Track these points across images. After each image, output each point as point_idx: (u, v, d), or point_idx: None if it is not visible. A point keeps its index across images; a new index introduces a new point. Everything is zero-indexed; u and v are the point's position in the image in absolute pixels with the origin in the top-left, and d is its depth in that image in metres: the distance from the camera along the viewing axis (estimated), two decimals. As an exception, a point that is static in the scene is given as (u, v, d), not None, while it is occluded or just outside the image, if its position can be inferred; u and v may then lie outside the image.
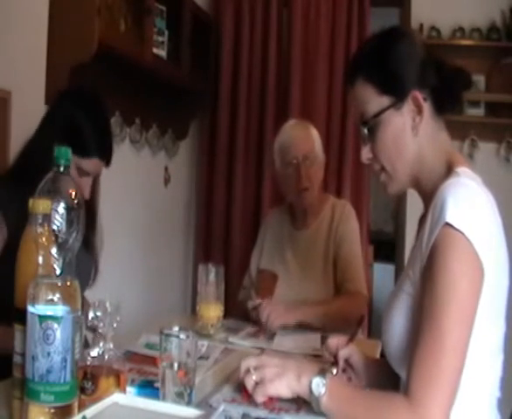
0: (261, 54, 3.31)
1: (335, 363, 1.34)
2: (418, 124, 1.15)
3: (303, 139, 2.07)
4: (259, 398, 1.12)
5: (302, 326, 1.82)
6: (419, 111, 1.14)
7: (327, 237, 2.08)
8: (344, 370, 1.33)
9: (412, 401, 0.97)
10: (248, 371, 1.15)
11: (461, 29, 3.34)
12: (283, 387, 1.11)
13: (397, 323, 1.12)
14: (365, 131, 1.18)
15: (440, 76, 1.16)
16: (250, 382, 1.13)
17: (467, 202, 1.04)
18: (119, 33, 2.33)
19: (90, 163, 1.54)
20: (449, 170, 1.13)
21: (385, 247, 4.11)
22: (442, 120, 1.19)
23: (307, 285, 2.05)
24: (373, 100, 1.16)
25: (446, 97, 1.17)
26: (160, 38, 2.61)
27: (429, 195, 1.14)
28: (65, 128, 1.51)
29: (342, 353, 1.32)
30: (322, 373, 1.08)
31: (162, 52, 2.63)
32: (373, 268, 4.10)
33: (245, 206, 3.33)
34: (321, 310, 1.88)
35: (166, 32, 2.66)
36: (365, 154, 1.21)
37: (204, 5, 3.29)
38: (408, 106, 1.15)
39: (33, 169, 1.49)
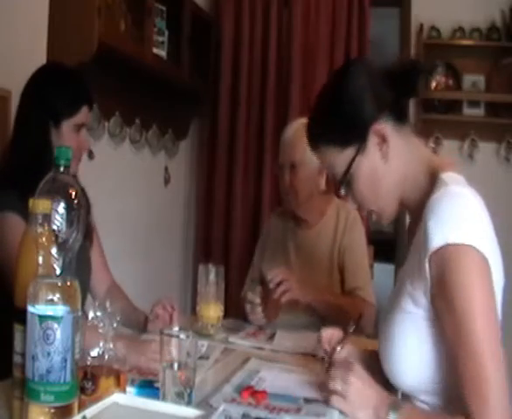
0: (261, 54, 3.31)
1: (328, 365, 1.28)
2: (386, 151, 1.15)
3: (295, 145, 2.03)
4: (335, 406, 1.12)
5: (299, 325, 1.83)
6: (384, 139, 1.14)
7: (332, 239, 2.08)
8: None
9: None
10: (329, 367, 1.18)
11: (461, 29, 3.34)
12: (360, 416, 1.10)
13: (400, 341, 1.10)
14: (342, 189, 1.20)
15: (393, 86, 1.15)
16: (333, 386, 1.13)
17: (461, 213, 1.03)
18: (119, 33, 2.34)
19: (82, 114, 1.60)
20: (433, 177, 1.12)
21: (385, 247, 4.11)
22: (407, 126, 1.18)
23: (309, 283, 2.04)
24: (339, 159, 1.17)
25: (404, 103, 1.17)
26: (160, 38, 2.61)
27: (416, 208, 1.12)
28: (46, 105, 1.56)
29: (339, 357, 1.29)
30: (395, 407, 1.06)
31: (162, 52, 2.63)
32: (373, 268, 4.09)
33: (245, 206, 3.33)
34: (332, 300, 1.91)
35: (166, 32, 2.66)
36: (351, 206, 1.23)
37: (204, 5, 3.29)
38: (372, 142, 1.15)
39: (26, 164, 1.52)
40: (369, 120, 1.14)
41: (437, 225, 1.02)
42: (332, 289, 2.05)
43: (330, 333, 1.35)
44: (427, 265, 1.02)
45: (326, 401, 1.15)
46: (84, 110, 1.61)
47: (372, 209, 1.21)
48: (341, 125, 1.16)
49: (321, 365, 1.34)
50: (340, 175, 1.18)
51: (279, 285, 1.79)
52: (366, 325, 1.93)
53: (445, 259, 1.00)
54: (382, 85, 1.15)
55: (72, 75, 1.66)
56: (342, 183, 1.19)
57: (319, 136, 1.21)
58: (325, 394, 1.16)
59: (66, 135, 1.57)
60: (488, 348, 0.98)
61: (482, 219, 1.05)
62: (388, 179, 1.16)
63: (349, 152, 1.16)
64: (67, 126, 1.57)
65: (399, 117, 1.16)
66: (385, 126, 1.14)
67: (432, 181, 1.11)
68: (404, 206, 1.20)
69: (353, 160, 1.15)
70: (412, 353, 1.09)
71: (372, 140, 1.14)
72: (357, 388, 1.11)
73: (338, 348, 1.29)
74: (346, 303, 1.95)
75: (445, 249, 1.00)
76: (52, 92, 1.58)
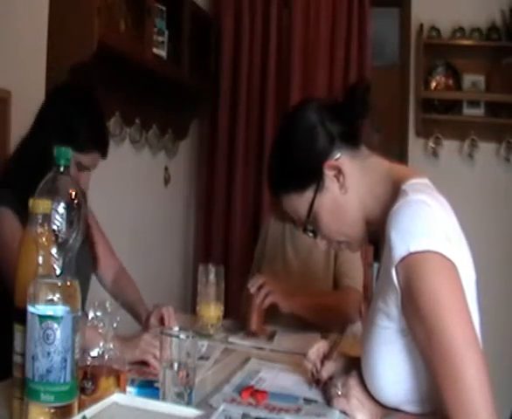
0: (261, 54, 3.31)
1: (316, 381, 1.31)
2: (343, 182, 1.16)
3: None
4: (339, 407, 1.14)
5: (299, 325, 1.83)
6: (339, 171, 1.16)
7: None
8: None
9: None
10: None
11: (461, 29, 3.34)
12: (360, 417, 1.12)
13: (376, 357, 1.10)
14: (310, 231, 1.23)
15: (341, 116, 1.16)
16: (334, 392, 1.16)
17: (420, 220, 1.02)
18: (119, 33, 2.34)
19: (88, 157, 1.56)
20: (395, 188, 1.12)
21: (385, 247, 4.11)
22: (362, 148, 1.19)
23: (307, 285, 2.05)
24: (300, 202, 1.20)
25: (354, 128, 1.18)
26: (160, 38, 2.61)
27: (381, 223, 1.12)
28: (61, 126, 1.53)
29: (325, 372, 1.29)
30: (390, 414, 1.09)
31: (162, 52, 2.63)
32: (373, 268, 4.09)
33: (245, 206, 3.33)
34: (316, 302, 1.89)
35: (166, 32, 2.66)
36: (321, 244, 1.25)
37: (204, 5, 3.29)
38: (328, 177, 1.16)
39: (30, 170, 1.51)
40: (321, 158, 1.16)
41: (398, 236, 1.02)
42: (323, 290, 2.04)
43: (316, 350, 1.34)
44: (395, 276, 1.02)
45: (328, 403, 1.17)
46: (93, 156, 1.57)
47: (341, 240, 1.23)
48: (295, 170, 1.19)
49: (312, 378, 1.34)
50: (304, 217, 1.21)
51: (260, 289, 1.77)
52: (350, 311, 1.94)
53: (409, 268, 1.00)
54: (330, 120, 1.17)
55: (97, 114, 1.61)
56: (307, 224, 1.21)
57: (278, 185, 1.25)
58: (327, 395, 1.19)
59: None
60: (462, 349, 0.96)
61: (443, 222, 1.04)
62: (350, 207, 1.18)
63: (309, 193, 1.18)
64: (71, 158, 1.53)
65: (352, 144, 1.17)
66: (339, 157, 1.16)
67: (394, 192, 1.11)
68: (370, 226, 1.20)
69: (313, 200, 1.18)
70: (389, 368, 1.08)
71: (328, 175, 1.16)
72: (357, 391, 1.13)
73: (327, 364, 1.29)
74: (332, 302, 1.95)
75: (408, 258, 0.99)
76: (71, 120, 1.53)
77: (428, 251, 0.99)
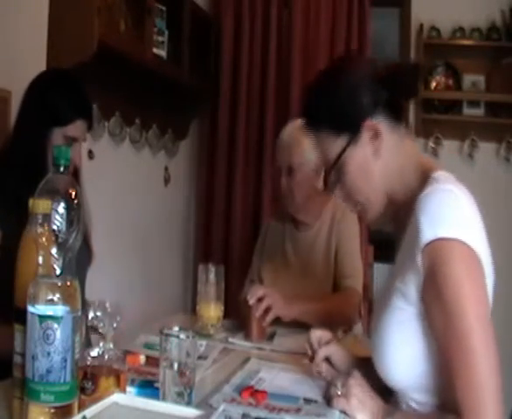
0: (261, 54, 3.31)
1: (311, 358, 1.34)
2: (378, 147, 1.16)
3: (292, 148, 2.03)
4: (339, 407, 1.14)
5: (299, 325, 1.82)
6: (376, 135, 1.15)
7: (328, 237, 2.08)
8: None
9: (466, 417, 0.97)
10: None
11: (461, 29, 3.34)
12: (360, 417, 1.12)
13: (390, 338, 1.11)
14: (332, 177, 1.21)
15: (391, 85, 1.16)
16: (334, 392, 1.16)
17: (451, 209, 1.04)
18: (119, 33, 2.34)
19: (74, 127, 1.57)
20: (423, 177, 1.13)
21: (385, 247, 4.11)
22: (401, 126, 1.19)
23: (308, 285, 2.04)
24: (331, 146, 1.18)
25: (401, 103, 1.18)
26: (160, 38, 2.61)
27: (405, 205, 1.14)
28: (42, 108, 1.55)
29: (322, 352, 1.32)
30: (391, 412, 1.10)
31: (162, 52, 2.63)
32: (373, 268, 4.09)
33: (245, 206, 3.33)
34: (317, 308, 1.88)
35: (166, 32, 2.66)
36: (338, 193, 1.24)
37: (204, 5, 3.29)
38: (365, 136, 1.16)
39: (20, 159, 1.52)
40: (364, 114, 1.15)
41: (428, 220, 1.03)
42: (323, 293, 2.04)
43: (319, 334, 1.37)
44: (420, 259, 1.03)
45: (328, 403, 1.17)
46: (79, 124, 1.58)
47: (358, 201, 1.21)
48: (336, 112, 1.17)
49: (309, 363, 1.36)
50: (331, 161, 1.19)
51: (260, 300, 1.74)
52: (351, 314, 1.94)
53: (436, 252, 1.01)
54: (380, 83, 1.16)
55: (75, 85, 1.63)
56: (332, 170, 1.20)
57: (313, 120, 1.22)
58: (327, 395, 1.19)
59: (56, 144, 1.52)
60: (479, 339, 0.98)
61: (472, 216, 1.06)
62: (377, 175, 1.17)
63: (341, 141, 1.17)
64: (58, 134, 1.55)
65: (394, 116, 1.17)
66: (380, 122, 1.15)
67: (423, 180, 1.12)
68: (392, 204, 1.20)
69: (345, 149, 1.17)
70: (403, 350, 1.09)
71: (365, 134, 1.16)
72: (357, 391, 1.13)
73: (324, 346, 1.32)
74: (333, 306, 1.94)
75: (435, 242, 1.01)
76: (50, 97, 1.56)
77: (455, 240, 1.01)
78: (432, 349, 1.06)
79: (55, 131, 1.55)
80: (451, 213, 1.04)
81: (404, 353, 1.09)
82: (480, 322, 0.99)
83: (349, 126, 1.16)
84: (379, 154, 1.16)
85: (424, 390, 1.09)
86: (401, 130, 1.19)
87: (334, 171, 1.20)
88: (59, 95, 1.57)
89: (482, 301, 1.02)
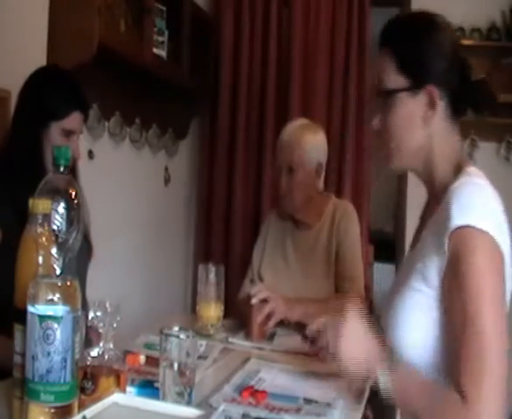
0: (261, 54, 3.31)
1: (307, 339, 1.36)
2: (429, 117, 1.16)
3: (292, 148, 2.04)
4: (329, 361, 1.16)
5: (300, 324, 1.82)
6: (432, 106, 1.15)
7: (329, 237, 2.08)
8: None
9: (468, 399, 0.98)
10: None
11: (461, 29, 3.34)
12: (352, 368, 1.13)
13: (406, 316, 1.13)
14: (376, 104, 1.20)
15: (463, 81, 1.16)
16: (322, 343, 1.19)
17: (483, 201, 1.07)
18: (119, 33, 2.33)
19: (72, 120, 1.60)
20: (457, 169, 1.15)
21: (385, 247, 4.10)
22: (457, 124, 1.20)
23: (308, 284, 2.04)
24: (391, 75, 1.17)
25: (465, 103, 1.18)
26: (160, 38, 2.61)
27: (436, 189, 1.16)
28: (39, 103, 1.57)
29: (315, 325, 1.34)
30: (386, 369, 1.10)
31: (162, 52, 2.63)
32: (373, 268, 4.10)
33: (245, 206, 3.33)
34: (319, 310, 1.87)
35: (166, 32, 2.66)
36: (375, 123, 1.22)
37: (204, 5, 3.29)
38: (422, 97, 1.15)
39: (18, 157, 1.53)
40: (431, 77, 1.15)
41: (460, 207, 1.06)
42: (328, 292, 2.03)
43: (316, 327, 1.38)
44: (446, 242, 1.05)
45: (322, 360, 1.20)
46: (75, 116, 1.61)
47: (389, 144, 1.20)
48: (411, 55, 1.16)
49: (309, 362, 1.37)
50: (384, 86, 1.18)
51: (262, 301, 1.75)
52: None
53: (464, 239, 1.04)
54: (455, 70, 1.16)
55: (69, 79, 1.66)
56: (379, 97, 1.19)
57: (393, 40, 1.20)
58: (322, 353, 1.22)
59: (55, 139, 1.56)
60: (493, 330, 1.00)
61: (499, 212, 1.09)
62: (418, 137, 1.17)
63: (402, 81, 1.16)
64: (55, 129, 1.57)
65: (455, 109, 1.17)
66: (441, 99, 1.15)
67: (456, 171, 1.15)
68: (421, 176, 1.22)
69: (401, 89, 1.16)
70: (417, 329, 1.11)
71: (423, 97, 1.15)
72: (348, 343, 1.14)
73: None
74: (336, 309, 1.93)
75: (465, 229, 1.04)
76: (46, 92, 1.59)
77: (484, 232, 1.03)
78: (445, 333, 1.07)
79: (53, 126, 1.57)
80: (482, 205, 1.06)
81: (418, 333, 1.11)
82: (497, 315, 1.01)
83: (416, 77, 1.15)
84: (427, 124, 1.16)
85: (434, 371, 1.10)
86: (455, 125, 1.19)
87: (380, 100, 1.19)
88: (54, 90, 1.60)
89: (500, 296, 1.04)
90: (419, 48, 1.16)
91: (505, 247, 1.06)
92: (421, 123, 1.16)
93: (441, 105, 1.15)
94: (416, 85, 1.15)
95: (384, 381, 1.07)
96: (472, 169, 1.14)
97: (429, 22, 1.20)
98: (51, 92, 1.59)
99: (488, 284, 1.02)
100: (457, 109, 1.18)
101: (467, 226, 1.03)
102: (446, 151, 1.18)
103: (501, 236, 1.05)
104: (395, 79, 1.17)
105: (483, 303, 1.01)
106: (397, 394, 1.08)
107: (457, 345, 1.03)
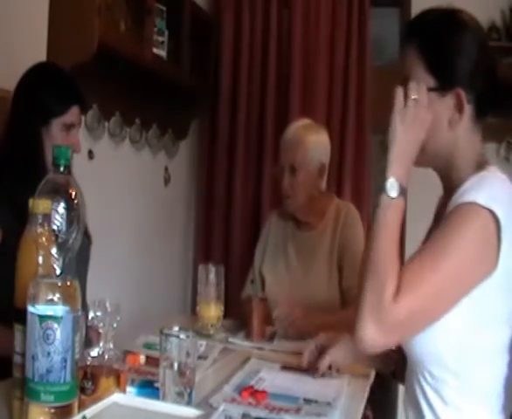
0: (261, 54, 3.31)
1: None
2: (456, 121, 1.14)
3: (295, 147, 2.04)
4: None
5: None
6: (460, 109, 1.14)
7: (331, 239, 2.08)
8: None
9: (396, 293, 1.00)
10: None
11: (461, 29, 3.33)
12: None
13: None
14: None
15: (489, 84, 1.16)
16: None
17: (497, 189, 1.07)
18: (119, 33, 2.33)
19: (71, 114, 1.63)
20: (478, 169, 1.15)
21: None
22: (480, 125, 1.19)
23: (309, 285, 2.04)
24: (419, 75, 1.15)
25: (490, 106, 1.18)
26: (160, 38, 2.61)
27: (453, 186, 1.15)
28: (36, 103, 1.59)
29: (326, 361, 1.36)
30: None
31: (162, 52, 2.63)
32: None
33: (245, 206, 3.32)
34: (333, 322, 1.85)
35: (166, 32, 2.66)
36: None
37: (204, 5, 3.29)
38: (450, 100, 1.14)
39: (19, 159, 1.54)
40: (460, 80, 1.13)
41: (472, 187, 1.06)
42: (330, 294, 2.03)
43: (312, 344, 1.42)
44: (449, 211, 1.06)
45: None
46: (74, 110, 1.63)
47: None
48: (441, 55, 1.15)
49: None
50: (411, 83, 1.14)
51: (262, 301, 1.78)
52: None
53: (466, 210, 1.04)
54: (481, 73, 1.15)
55: (63, 75, 1.68)
56: (407, 88, 1.15)
57: (421, 39, 1.17)
58: None
59: (56, 135, 1.59)
60: (447, 277, 1.01)
61: None
62: (443, 139, 1.16)
63: (430, 81, 1.14)
64: (57, 125, 1.59)
65: (480, 112, 1.16)
66: (468, 101, 1.14)
67: (477, 170, 1.15)
68: (440, 173, 1.21)
69: (429, 89, 1.13)
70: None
71: (450, 100, 1.14)
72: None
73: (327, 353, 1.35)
74: (350, 320, 1.92)
75: (470, 204, 1.03)
76: (43, 91, 1.61)
77: (489, 210, 1.02)
78: (454, 326, 1.07)
79: (53, 122, 1.59)
80: (497, 192, 1.06)
81: (436, 331, 1.09)
82: (460, 277, 1.02)
83: (445, 78, 1.14)
84: (453, 127, 1.15)
85: (442, 365, 1.10)
86: (479, 127, 1.18)
87: (408, 89, 1.14)
88: (51, 88, 1.63)
89: (471, 269, 1.03)
90: (450, 49, 1.14)
91: (509, 235, 1.02)
92: (447, 126, 1.15)
93: (468, 108, 1.14)
94: (445, 86, 1.14)
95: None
96: (492, 168, 1.15)
97: (460, 22, 1.17)
98: (48, 90, 1.62)
99: (469, 249, 1.02)
100: (482, 111, 1.17)
101: (474, 203, 1.03)
102: (468, 152, 1.17)
103: (506, 227, 1.02)
104: (423, 79, 1.15)
105: (453, 256, 1.01)
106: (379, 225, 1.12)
107: (411, 260, 1.05)
